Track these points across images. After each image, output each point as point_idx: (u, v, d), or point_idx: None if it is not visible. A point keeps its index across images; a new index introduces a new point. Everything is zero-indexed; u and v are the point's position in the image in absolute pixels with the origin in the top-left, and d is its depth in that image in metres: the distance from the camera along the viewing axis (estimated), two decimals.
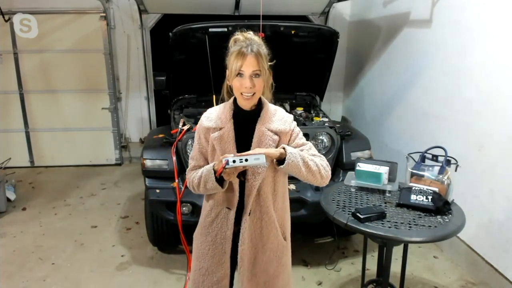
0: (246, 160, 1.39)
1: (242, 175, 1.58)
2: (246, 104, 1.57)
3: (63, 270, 3.07)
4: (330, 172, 1.62)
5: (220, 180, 1.51)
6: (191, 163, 1.69)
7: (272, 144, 1.56)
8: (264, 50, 1.52)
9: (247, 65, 1.47)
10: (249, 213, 1.60)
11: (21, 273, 3.02)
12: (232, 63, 1.49)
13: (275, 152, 1.48)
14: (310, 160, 1.55)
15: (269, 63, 1.56)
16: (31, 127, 5.31)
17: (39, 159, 5.41)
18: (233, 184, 1.58)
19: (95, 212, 4.04)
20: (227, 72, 1.55)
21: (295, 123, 1.66)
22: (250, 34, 1.52)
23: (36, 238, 3.54)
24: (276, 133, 1.57)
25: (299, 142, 1.63)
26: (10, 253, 3.30)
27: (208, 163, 1.64)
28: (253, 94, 1.52)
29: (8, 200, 4.14)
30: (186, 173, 1.71)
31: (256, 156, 1.40)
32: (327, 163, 1.62)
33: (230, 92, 1.62)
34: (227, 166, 1.40)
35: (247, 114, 1.60)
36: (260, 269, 1.67)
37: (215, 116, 1.63)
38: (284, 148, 1.50)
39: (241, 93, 1.52)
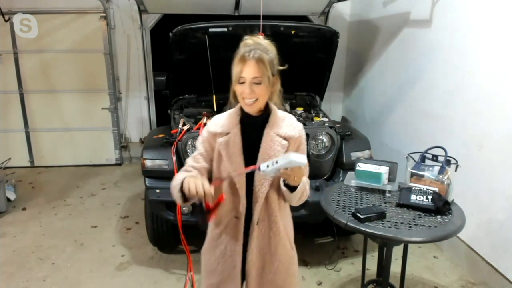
0: (277, 162, 1.33)
1: (249, 183, 1.54)
2: (249, 110, 1.53)
3: (63, 270, 3.07)
4: (306, 198, 1.59)
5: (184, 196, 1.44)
6: (187, 162, 1.62)
7: (281, 150, 1.52)
8: (270, 55, 1.47)
9: (247, 71, 1.43)
10: (257, 222, 1.56)
11: (21, 273, 3.02)
12: (235, 67, 1.46)
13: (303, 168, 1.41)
14: (304, 189, 1.52)
15: (280, 68, 1.52)
16: (31, 127, 5.31)
17: (39, 159, 5.41)
18: (239, 190, 1.54)
19: (95, 212, 4.04)
20: (232, 77, 1.51)
21: (304, 132, 1.62)
22: (259, 39, 1.48)
23: (36, 238, 3.54)
24: (285, 138, 1.53)
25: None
26: (10, 253, 3.30)
27: (205, 169, 1.58)
28: (256, 100, 1.47)
29: (8, 200, 4.15)
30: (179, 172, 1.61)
31: (284, 156, 1.34)
32: (309, 188, 1.59)
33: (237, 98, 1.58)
34: (261, 171, 1.36)
35: (254, 119, 1.55)
36: (268, 281, 1.63)
37: (222, 122, 1.59)
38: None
39: (243, 100, 1.49)
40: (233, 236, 1.58)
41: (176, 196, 1.47)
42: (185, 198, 1.45)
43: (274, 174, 1.42)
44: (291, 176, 1.40)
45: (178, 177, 1.50)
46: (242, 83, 1.45)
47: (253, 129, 1.55)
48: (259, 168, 1.37)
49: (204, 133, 1.61)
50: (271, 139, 1.52)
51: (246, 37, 1.50)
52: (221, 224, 1.61)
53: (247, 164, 1.51)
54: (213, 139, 1.57)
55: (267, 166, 1.35)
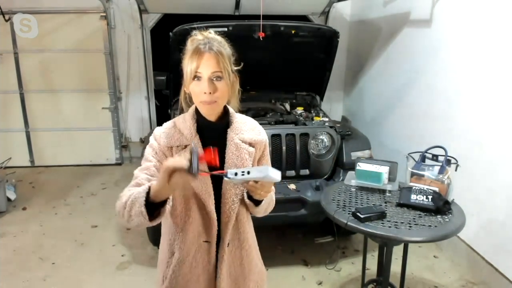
0: (249, 172, 1.17)
1: (217, 201, 1.34)
2: (209, 113, 1.32)
3: (63, 270, 3.08)
4: (272, 208, 1.46)
5: (151, 209, 1.18)
6: (137, 175, 1.33)
7: (249, 158, 1.36)
8: (227, 50, 1.29)
9: (205, 66, 1.23)
10: (228, 244, 1.38)
11: (21, 273, 3.02)
12: (187, 64, 1.25)
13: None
14: (270, 200, 1.41)
15: (236, 68, 1.34)
16: (31, 127, 5.31)
17: (39, 158, 5.41)
18: (208, 210, 1.33)
19: (95, 212, 4.04)
20: (184, 77, 1.30)
21: (267, 136, 1.46)
22: (210, 33, 1.29)
23: (36, 237, 3.54)
24: (251, 144, 1.38)
25: (268, 162, 1.46)
26: (10, 253, 3.30)
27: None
28: (215, 102, 1.28)
29: (9, 199, 4.14)
30: (126, 189, 1.35)
31: (260, 169, 1.18)
32: (274, 197, 1.46)
33: (189, 102, 1.37)
34: (228, 178, 1.18)
35: (213, 125, 1.35)
36: None
37: (176, 132, 1.35)
38: None
39: (201, 101, 1.27)
40: (206, 264, 1.38)
41: (138, 212, 1.20)
42: (153, 210, 1.18)
43: (240, 183, 1.27)
44: (258, 190, 1.21)
45: (126, 194, 1.27)
46: (198, 79, 1.25)
47: (213, 137, 1.35)
48: (226, 175, 1.18)
49: (153, 143, 1.36)
50: (236, 147, 1.35)
51: (194, 32, 1.31)
52: (189, 255, 1.38)
53: (214, 178, 1.34)
54: (168, 152, 1.33)
55: (236, 174, 1.18)
